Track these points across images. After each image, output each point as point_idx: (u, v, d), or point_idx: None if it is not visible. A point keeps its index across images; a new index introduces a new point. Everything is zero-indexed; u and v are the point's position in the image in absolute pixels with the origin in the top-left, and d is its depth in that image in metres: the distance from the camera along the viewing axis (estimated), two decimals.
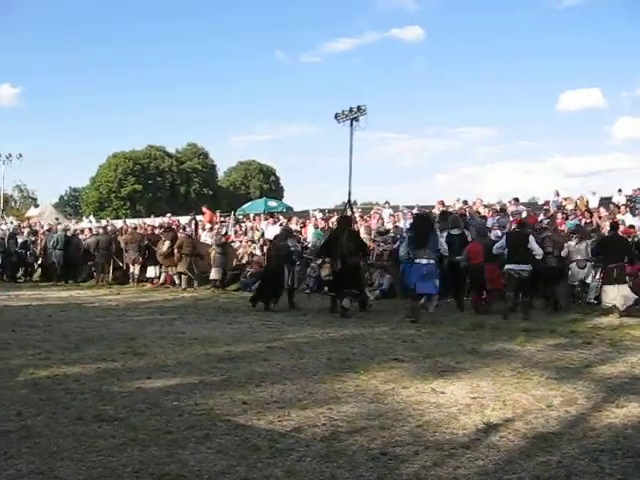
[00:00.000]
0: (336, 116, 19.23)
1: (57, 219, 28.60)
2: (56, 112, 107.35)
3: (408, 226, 15.04)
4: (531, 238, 12.45)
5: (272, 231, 20.14)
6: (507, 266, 12.44)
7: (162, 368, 7.55)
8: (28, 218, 35.98)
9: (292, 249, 14.62)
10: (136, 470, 4.26)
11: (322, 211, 26.59)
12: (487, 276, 12.94)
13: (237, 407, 5.83)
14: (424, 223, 12.93)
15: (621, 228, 15.98)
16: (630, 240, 14.73)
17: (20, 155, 55.16)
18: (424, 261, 11.88)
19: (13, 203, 64.95)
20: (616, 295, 12.35)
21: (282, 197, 70.86)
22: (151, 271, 20.57)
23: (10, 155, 54.34)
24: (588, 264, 13.61)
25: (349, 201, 19.78)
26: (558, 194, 22.75)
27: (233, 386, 6.62)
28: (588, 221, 17.28)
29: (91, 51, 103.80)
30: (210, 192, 76.47)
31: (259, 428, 5.22)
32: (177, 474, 4.19)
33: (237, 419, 5.46)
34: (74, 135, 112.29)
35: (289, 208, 37.37)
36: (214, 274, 18.85)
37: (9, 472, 4.23)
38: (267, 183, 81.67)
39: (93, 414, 5.55)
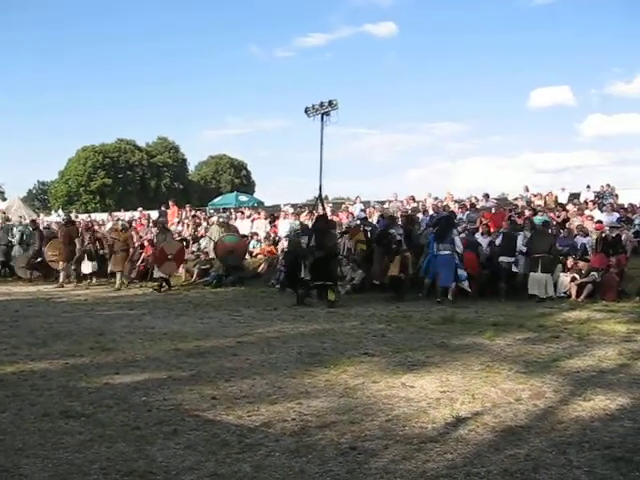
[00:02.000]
0: (306, 110, 19.24)
1: (20, 217, 28.02)
2: (24, 106, 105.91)
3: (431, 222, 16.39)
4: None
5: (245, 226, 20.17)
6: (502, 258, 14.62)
7: (131, 363, 7.49)
8: None
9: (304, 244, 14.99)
10: (103, 467, 4.21)
11: (293, 206, 26.54)
12: (466, 263, 14.00)
13: (206, 402, 5.80)
14: (446, 222, 14.60)
15: (590, 224, 16.26)
16: (598, 235, 15.02)
17: None
18: (442, 252, 13.66)
19: None
20: (540, 283, 13.80)
21: (253, 192, 70.67)
22: (87, 267, 19.16)
23: None
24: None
25: (320, 196, 19.78)
26: (528, 190, 22.96)
27: (202, 381, 6.58)
28: (558, 216, 17.50)
29: (60, 48, 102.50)
30: (181, 186, 75.98)
31: (228, 423, 5.19)
32: (145, 470, 4.15)
33: (206, 414, 5.43)
34: (43, 128, 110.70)
35: (260, 202, 37.23)
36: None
37: None
38: (238, 177, 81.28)
39: (60, 410, 5.49)
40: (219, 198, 41.25)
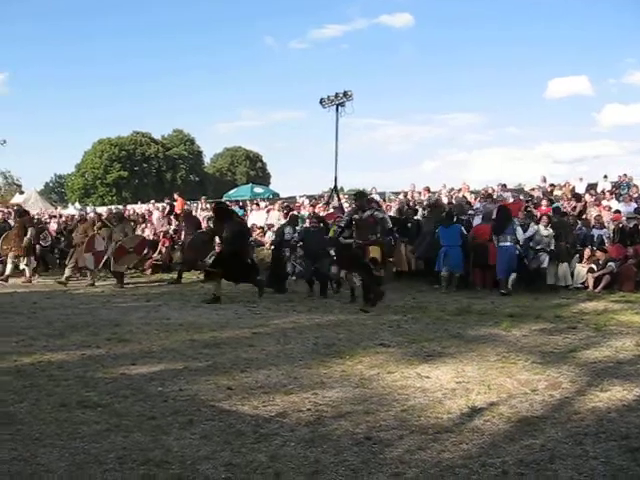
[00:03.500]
0: (321, 101, 19.22)
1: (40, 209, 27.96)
2: (41, 98, 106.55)
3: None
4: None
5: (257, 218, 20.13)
6: None
7: (147, 354, 7.52)
8: (13, 205, 35.73)
9: (287, 236, 14.71)
10: (120, 456, 4.24)
11: (309, 197, 26.53)
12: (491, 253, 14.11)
13: (222, 393, 5.82)
14: (506, 213, 14.29)
15: (607, 214, 16.14)
16: (615, 225, 14.93)
17: (4, 141, 54.59)
18: (502, 244, 13.71)
19: None
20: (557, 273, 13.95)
21: (269, 183, 70.69)
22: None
23: None
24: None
25: (335, 187, 19.75)
26: (545, 180, 22.79)
27: (218, 372, 6.60)
28: (574, 207, 17.37)
29: (77, 40, 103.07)
30: (196, 178, 76.30)
31: (244, 413, 5.21)
32: (161, 460, 4.17)
33: (221, 404, 5.45)
34: (60, 121, 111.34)
35: (275, 194, 37.23)
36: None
37: None
38: (253, 169, 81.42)
39: (77, 400, 5.52)
40: (234, 190, 41.29)
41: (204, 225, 20.92)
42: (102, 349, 7.82)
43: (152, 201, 30.44)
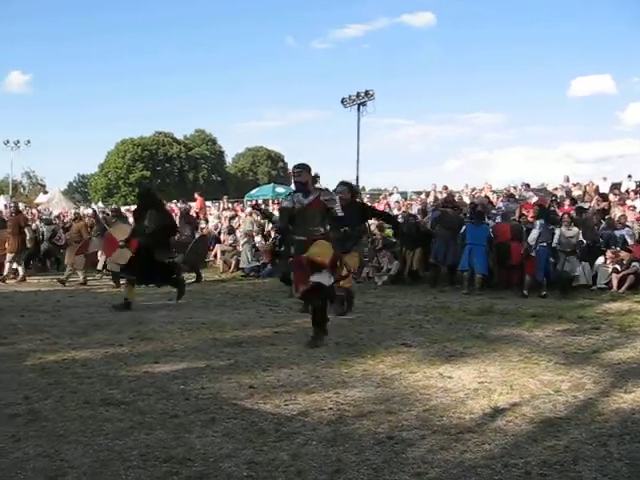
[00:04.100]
0: (343, 101, 19.23)
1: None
2: (65, 99, 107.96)
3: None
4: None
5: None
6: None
7: (169, 353, 7.57)
8: (37, 204, 36.10)
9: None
10: (143, 453, 4.27)
11: None
12: (513, 254, 13.98)
13: (244, 391, 5.84)
14: (551, 213, 14.50)
15: (631, 214, 15.99)
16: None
17: (28, 142, 55.52)
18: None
19: (22, 189, 65.19)
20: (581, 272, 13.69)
21: (290, 183, 70.62)
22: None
23: (18, 142, 54.69)
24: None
25: (357, 186, 19.73)
26: (568, 180, 22.63)
27: (240, 370, 6.63)
28: (599, 206, 17.22)
29: (98, 38, 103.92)
30: (218, 178, 76.63)
31: (265, 412, 5.22)
32: (183, 457, 4.20)
33: (243, 403, 5.47)
34: (82, 122, 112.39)
35: None
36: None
37: (16, 455, 4.26)
38: (275, 169, 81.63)
39: (100, 398, 5.57)
40: (256, 190, 41.34)
41: (213, 225, 21.00)
42: (125, 347, 7.88)
43: (174, 201, 30.61)
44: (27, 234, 17.90)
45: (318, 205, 8.30)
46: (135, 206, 13.87)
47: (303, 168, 8.36)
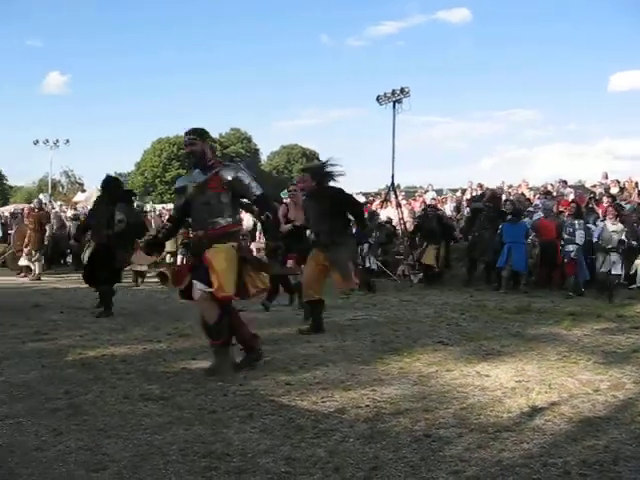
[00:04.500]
0: (378, 98, 19.09)
1: None
2: (101, 99, 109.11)
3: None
4: None
5: None
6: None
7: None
8: (75, 203, 36.55)
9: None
10: (182, 448, 4.32)
11: (365, 195, 26.48)
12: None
13: (280, 388, 5.87)
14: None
15: None
16: None
17: (67, 141, 56.20)
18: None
19: (61, 188, 66.11)
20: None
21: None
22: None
23: (57, 141, 55.47)
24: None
25: (392, 184, 19.64)
26: (607, 176, 22.29)
27: (276, 367, 6.66)
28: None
29: (131, 36, 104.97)
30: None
31: (302, 409, 5.24)
32: (222, 452, 4.23)
33: (281, 400, 5.49)
34: (119, 121, 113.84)
35: None
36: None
37: (58, 448, 4.33)
38: None
39: (139, 393, 5.65)
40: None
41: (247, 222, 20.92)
42: (163, 344, 7.98)
43: None
44: (47, 231, 18.11)
45: (214, 185, 6.22)
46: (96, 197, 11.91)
47: (197, 135, 6.29)
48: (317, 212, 8.47)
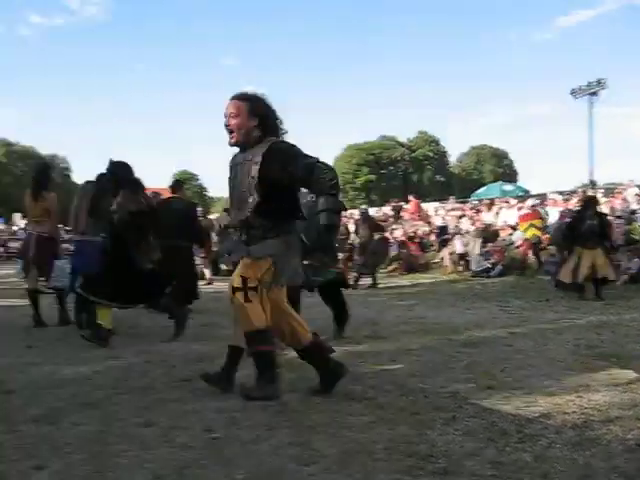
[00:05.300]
0: (572, 92, 18.43)
1: None
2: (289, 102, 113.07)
3: None
4: None
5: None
6: None
7: (405, 351, 7.72)
8: None
9: None
10: (387, 447, 4.41)
11: (561, 193, 25.46)
12: None
13: (482, 391, 5.83)
14: None
15: None
16: None
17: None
18: None
19: None
20: None
21: (516, 180, 68.83)
22: None
23: None
24: None
25: (591, 181, 18.76)
26: None
27: (477, 371, 6.61)
28: None
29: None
30: (442, 178, 76.43)
31: (505, 413, 5.17)
32: (426, 454, 4.27)
33: (483, 403, 5.45)
34: (306, 130, 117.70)
35: (525, 191, 36.07)
36: None
37: (271, 442, 4.57)
38: (500, 167, 79.86)
39: (343, 393, 5.82)
40: (483, 188, 40.72)
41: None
42: (363, 345, 8.17)
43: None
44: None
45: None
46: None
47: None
48: None
